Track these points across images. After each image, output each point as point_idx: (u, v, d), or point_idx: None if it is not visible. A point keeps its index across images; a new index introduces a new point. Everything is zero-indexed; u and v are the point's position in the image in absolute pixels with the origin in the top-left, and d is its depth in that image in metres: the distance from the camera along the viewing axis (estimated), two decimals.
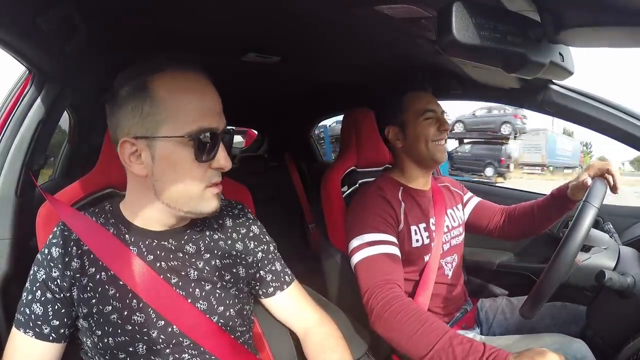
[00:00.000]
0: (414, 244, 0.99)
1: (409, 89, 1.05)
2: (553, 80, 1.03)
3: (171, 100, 0.56)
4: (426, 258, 1.00)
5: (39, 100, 0.86)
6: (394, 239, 0.94)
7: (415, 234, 0.99)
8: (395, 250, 0.92)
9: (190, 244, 0.67)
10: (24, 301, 0.62)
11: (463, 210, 1.18)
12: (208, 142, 0.57)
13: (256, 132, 3.06)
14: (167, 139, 0.56)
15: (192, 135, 0.56)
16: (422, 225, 1.01)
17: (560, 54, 0.62)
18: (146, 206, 0.63)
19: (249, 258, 0.73)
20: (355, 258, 0.92)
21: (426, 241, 1.00)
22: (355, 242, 0.94)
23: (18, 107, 0.86)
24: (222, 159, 0.59)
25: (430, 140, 1.01)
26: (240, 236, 0.73)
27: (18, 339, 0.61)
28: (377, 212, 0.96)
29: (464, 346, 0.71)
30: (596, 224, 1.21)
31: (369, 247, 0.91)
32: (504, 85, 1.11)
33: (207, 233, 0.70)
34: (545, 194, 1.11)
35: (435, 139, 1.01)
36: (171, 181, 0.58)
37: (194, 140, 0.56)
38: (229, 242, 0.71)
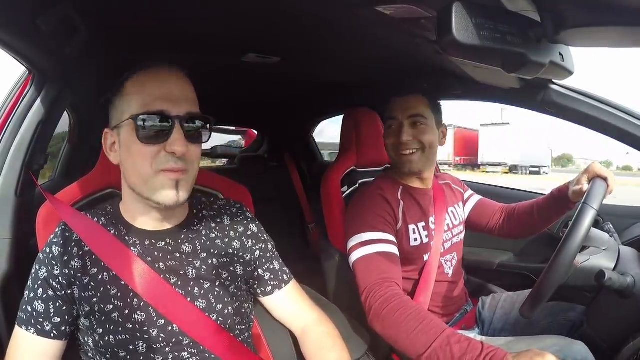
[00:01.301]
0: (412, 243, 0.99)
1: (393, 93, 1.04)
2: (553, 80, 1.03)
3: (132, 91, 0.62)
4: (425, 257, 1.00)
5: (39, 100, 0.86)
6: (392, 238, 0.94)
7: (414, 233, 0.99)
8: (394, 249, 0.92)
9: (186, 244, 0.68)
10: (26, 299, 0.63)
11: (464, 208, 1.18)
12: (154, 125, 0.59)
13: (256, 132, 3.06)
14: (123, 123, 0.61)
15: (133, 117, 0.59)
16: (421, 225, 1.01)
17: (560, 53, 0.62)
18: (128, 199, 0.67)
19: (247, 256, 0.73)
20: (354, 256, 0.92)
21: (425, 240, 1.00)
22: (353, 241, 0.94)
23: (18, 107, 0.86)
24: (174, 143, 0.59)
25: (390, 150, 1.01)
26: (237, 235, 0.73)
27: (20, 336, 0.62)
28: (376, 211, 0.95)
29: (461, 344, 0.71)
30: (596, 224, 1.21)
31: (367, 245, 0.91)
32: (504, 85, 1.11)
33: (204, 232, 0.70)
34: (544, 194, 1.12)
35: (396, 150, 1.00)
36: (128, 164, 0.62)
37: (134, 121, 0.59)
38: (226, 240, 0.72)
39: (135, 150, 0.60)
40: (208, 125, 0.65)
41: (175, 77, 0.63)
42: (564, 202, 1.00)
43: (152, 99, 0.60)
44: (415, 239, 0.99)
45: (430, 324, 0.76)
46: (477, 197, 1.20)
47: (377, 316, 0.82)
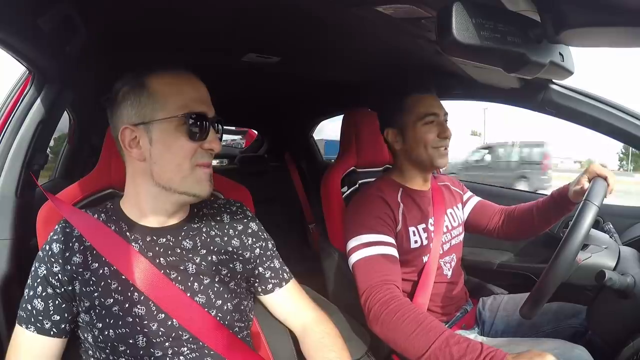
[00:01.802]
0: (413, 245, 0.98)
1: (411, 91, 1.03)
2: (553, 80, 1.03)
3: (165, 90, 0.63)
4: (425, 258, 1.00)
5: (39, 100, 0.86)
6: (391, 240, 0.93)
7: (414, 235, 0.99)
8: (393, 251, 0.92)
9: (187, 240, 0.69)
10: (26, 297, 0.63)
11: (463, 209, 1.17)
12: (199, 124, 0.64)
13: (256, 132, 3.06)
14: (163, 121, 0.63)
15: (184, 115, 0.63)
16: (421, 226, 1.01)
17: (560, 53, 0.61)
18: (144, 195, 0.67)
19: (246, 254, 0.73)
20: (353, 258, 0.92)
21: (425, 242, 1.00)
22: (353, 243, 0.94)
23: (18, 107, 0.86)
24: (212, 141, 0.65)
25: (429, 145, 0.99)
26: (237, 232, 0.74)
27: (20, 334, 0.63)
28: (376, 213, 0.95)
29: (460, 345, 0.71)
30: (596, 224, 1.21)
31: (367, 247, 0.91)
32: (504, 85, 1.11)
33: (204, 230, 0.71)
34: (545, 194, 1.12)
35: (436, 145, 0.99)
36: (166, 160, 0.64)
37: (186, 120, 0.63)
38: (226, 238, 0.72)
39: (177, 147, 0.63)
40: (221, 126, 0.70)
41: (199, 82, 0.67)
42: (564, 203, 1.00)
43: (191, 101, 0.64)
44: (416, 241, 0.99)
45: (429, 326, 0.76)
46: (476, 199, 1.20)
47: (376, 319, 0.82)
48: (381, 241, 0.92)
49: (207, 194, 0.66)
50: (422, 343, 0.74)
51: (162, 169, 0.64)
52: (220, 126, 0.69)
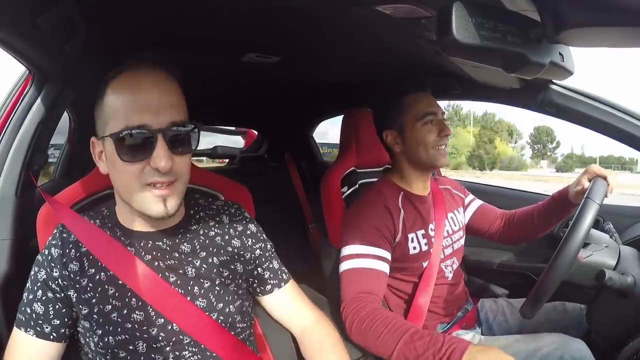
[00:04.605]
0: (412, 252, 0.98)
1: (408, 91, 1.02)
2: (553, 80, 1.03)
3: (112, 101, 0.58)
4: (424, 264, 1.00)
5: (39, 100, 0.86)
6: (385, 254, 0.93)
7: (412, 241, 0.99)
8: (383, 267, 0.93)
9: (185, 244, 0.68)
10: (25, 301, 0.63)
11: (464, 213, 1.17)
12: (135, 142, 0.56)
13: (256, 132, 3.05)
14: (106, 139, 0.59)
15: (113, 135, 0.56)
16: (421, 232, 1.00)
17: (560, 53, 0.62)
18: (120, 205, 0.66)
19: (247, 255, 0.73)
20: (343, 266, 0.93)
21: (424, 248, 1.00)
22: (346, 250, 0.94)
23: (18, 107, 0.86)
24: (157, 159, 0.56)
25: (430, 146, 0.98)
26: (237, 233, 0.74)
27: (19, 338, 0.62)
28: (375, 222, 0.95)
29: (424, 340, 0.74)
30: (596, 224, 1.21)
31: (358, 258, 0.92)
32: (504, 85, 1.11)
33: (202, 232, 0.70)
34: (546, 194, 1.12)
35: (436, 145, 0.99)
36: (115, 178, 0.61)
37: (113, 140, 0.56)
38: (226, 237, 0.72)
39: (119, 167, 0.58)
40: (196, 130, 0.61)
41: (152, 82, 0.57)
42: (565, 204, 1.01)
43: (130, 111, 0.56)
44: (414, 247, 0.99)
45: (395, 326, 0.78)
46: (477, 203, 1.20)
47: (351, 327, 0.84)
48: (374, 254, 0.92)
49: (161, 214, 0.59)
50: (390, 343, 0.77)
51: (116, 184, 0.62)
52: (189, 127, 0.60)
